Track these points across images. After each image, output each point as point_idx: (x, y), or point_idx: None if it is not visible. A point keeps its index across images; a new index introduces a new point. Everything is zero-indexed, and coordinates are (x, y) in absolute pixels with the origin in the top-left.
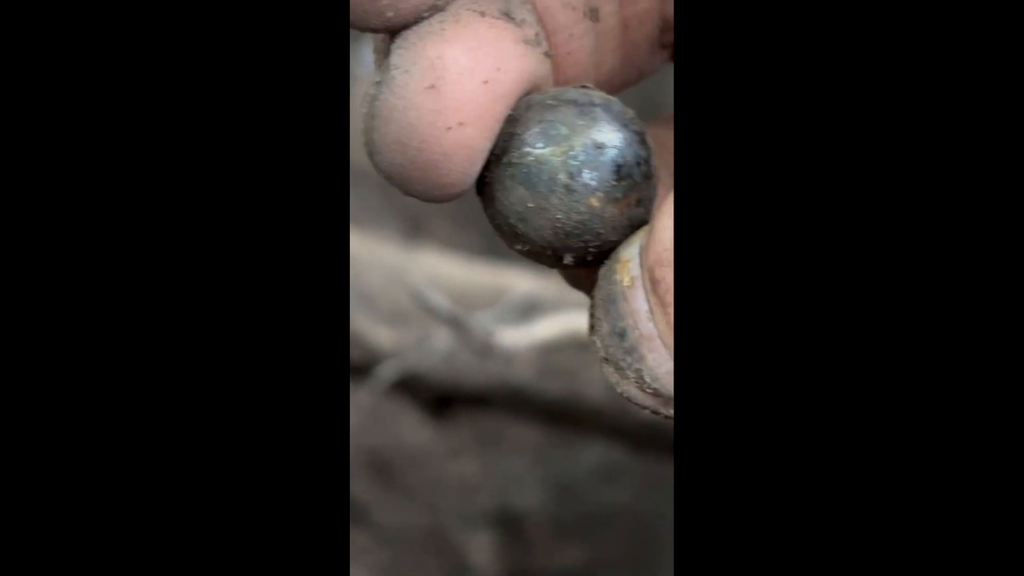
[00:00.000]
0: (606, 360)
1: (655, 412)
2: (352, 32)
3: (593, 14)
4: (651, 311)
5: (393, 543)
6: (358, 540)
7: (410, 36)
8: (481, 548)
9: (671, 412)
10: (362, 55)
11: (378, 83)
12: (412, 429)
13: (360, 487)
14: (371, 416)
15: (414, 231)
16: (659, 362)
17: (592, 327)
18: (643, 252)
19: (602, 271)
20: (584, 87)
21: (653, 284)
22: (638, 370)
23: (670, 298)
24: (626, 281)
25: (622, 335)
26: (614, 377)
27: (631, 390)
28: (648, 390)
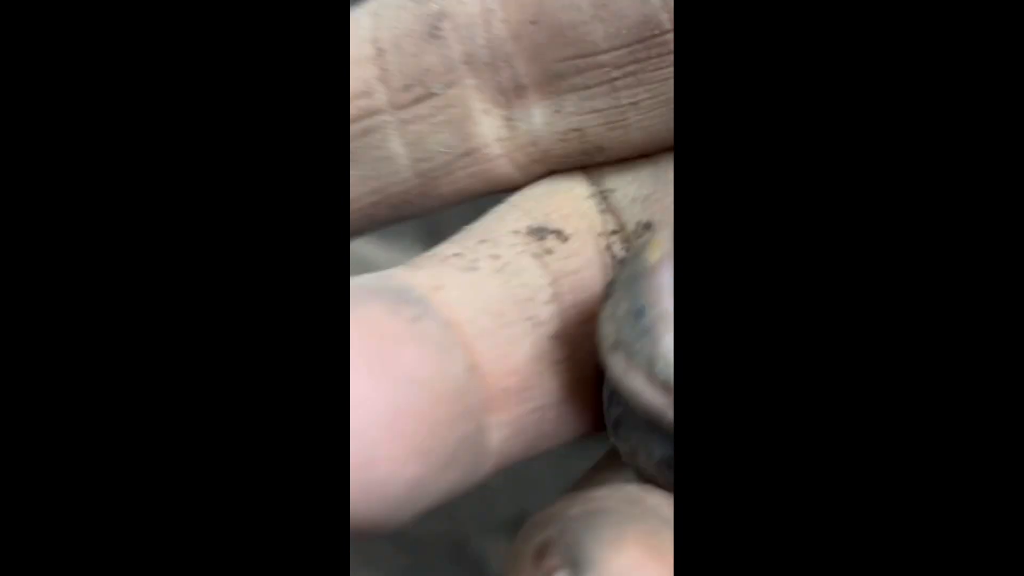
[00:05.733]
0: (615, 347)
1: (658, 418)
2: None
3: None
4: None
5: (412, 549)
6: (377, 547)
7: None
8: (501, 554)
9: (671, 416)
10: None
11: None
12: None
13: None
14: None
15: (434, 239)
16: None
17: (606, 312)
18: None
19: (630, 253)
20: None
21: None
22: (650, 355)
23: None
24: (655, 256)
25: (639, 314)
26: (621, 366)
27: (637, 382)
28: (656, 383)
